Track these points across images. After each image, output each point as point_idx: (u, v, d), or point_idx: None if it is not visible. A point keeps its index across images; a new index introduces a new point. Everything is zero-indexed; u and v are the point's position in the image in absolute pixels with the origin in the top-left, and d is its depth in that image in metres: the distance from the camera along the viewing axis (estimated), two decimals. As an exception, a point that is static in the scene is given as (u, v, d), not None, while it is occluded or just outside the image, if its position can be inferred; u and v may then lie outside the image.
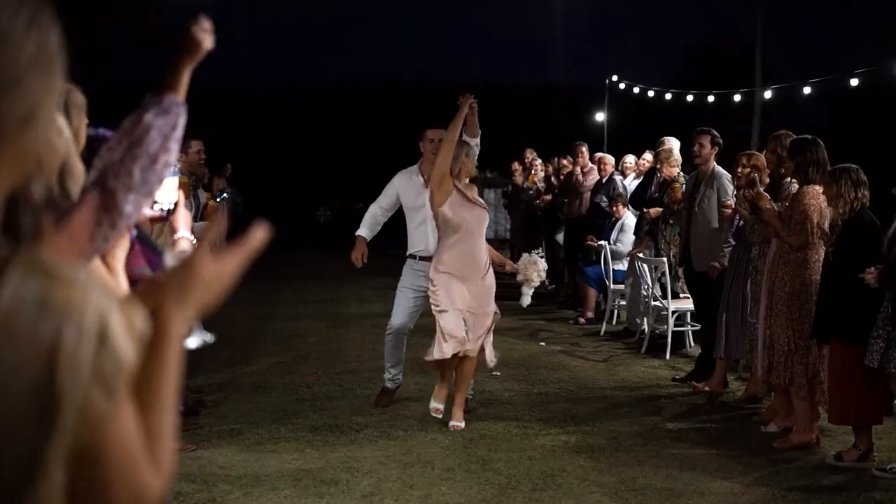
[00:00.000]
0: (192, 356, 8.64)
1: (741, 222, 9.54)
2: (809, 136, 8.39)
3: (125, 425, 1.50)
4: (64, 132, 2.88)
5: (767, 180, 9.25)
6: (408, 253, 9.24)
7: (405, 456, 7.76)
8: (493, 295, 8.66)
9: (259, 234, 2.02)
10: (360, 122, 50.13)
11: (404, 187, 9.25)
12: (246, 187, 22.41)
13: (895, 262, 6.98)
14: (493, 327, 8.67)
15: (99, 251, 2.95)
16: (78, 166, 2.92)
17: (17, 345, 1.36)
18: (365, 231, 9.39)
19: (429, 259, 8.74)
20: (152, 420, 1.60)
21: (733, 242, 9.81)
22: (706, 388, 9.94)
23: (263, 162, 43.13)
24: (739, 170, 9.39)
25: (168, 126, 2.78)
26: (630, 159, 15.55)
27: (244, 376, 10.46)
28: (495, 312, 8.65)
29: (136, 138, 2.72)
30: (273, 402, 9.41)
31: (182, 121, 2.85)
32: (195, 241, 4.21)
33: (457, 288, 8.39)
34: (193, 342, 3.40)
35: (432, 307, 8.49)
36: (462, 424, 8.45)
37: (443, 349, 8.33)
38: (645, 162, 14.69)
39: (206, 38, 2.97)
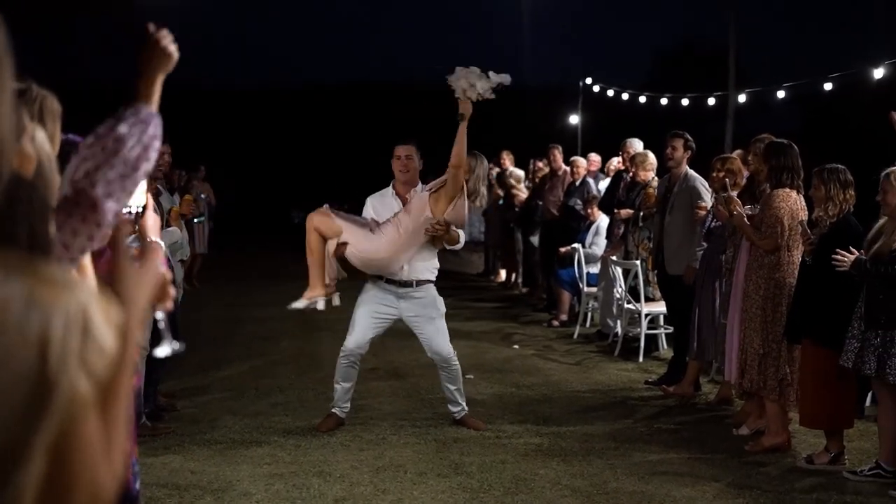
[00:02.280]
0: (163, 361, 8.63)
1: (713, 223, 9.58)
2: (785, 141, 8.44)
3: (93, 420, 1.56)
4: (38, 139, 2.86)
5: (743, 183, 9.31)
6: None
7: (377, 460, 7.74)
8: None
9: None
10: (330, 124, 50.02)
11: (379, 209, 8.57)
12: (220, 188, 22.31)
13: (874, 262, 7.01)
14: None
15: (78, 259, 2.96)
16: (55, 174, 2.91)
17: (7, 337, 1.44)
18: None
19: (397, 283, 8.46)
20: (109, 421, 1.64)
21: (705, 244, 9.84)
22: (676, 392, 9.95)
23: (236, 163, 42.96)
24: (714, 174, 9.45)
25: (145, 135, 2.80)
26: (616, 160, 15.56)
27: (216, 381, 10.42)
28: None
29: (113, 149, 2.74)
30: (245, 407, 9.37)
31: (159, 130, 2.88)
32: (164, 245, 4.19)
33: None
34: (163, 351, 3.38)
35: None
36: (301, 303, 8.57)
37: None
38: (613, 164, 14.74)
39: (171, 46, 2.98)
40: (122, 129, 2.78)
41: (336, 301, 8.49)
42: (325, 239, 8.30)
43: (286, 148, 48.39)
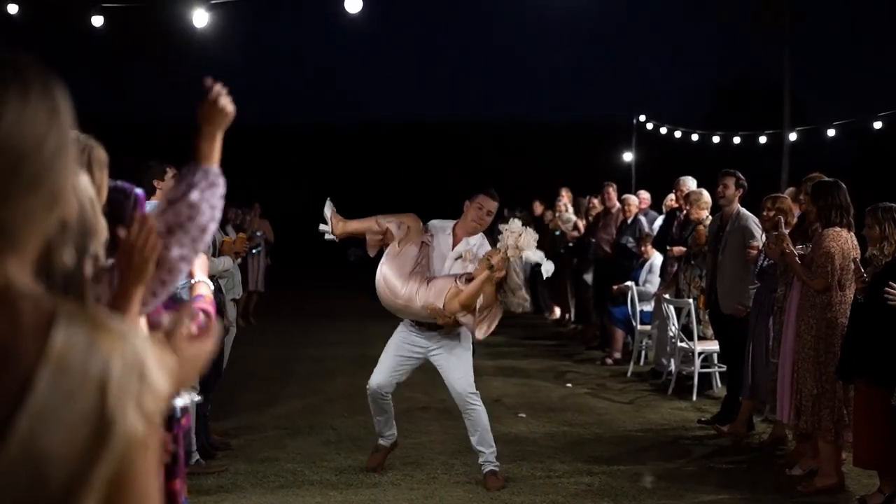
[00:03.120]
0: (217, 398, 8.75)
1: (765, 262, 9.55)
2: (831, 180, 8.43)
3: (149, 461, 1.66)
4: (80, 185, 2.95)
5: (794, 221, 9.29)
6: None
7: (428, 499, 7.78)
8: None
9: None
10: (391, 162, 50.35)
11: (436, 239, 8.17)
12: (278, 225, 22.52)
13: None
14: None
15: (150, 307, 3.10)
16: (100, 222, 3.01)
17: (71, 379, 1.54)
18: None
19: (424, 325, 8.11)
20: None
21: (757, 283, 9.82)
22: (730, 431, 9.91)
23: (296, 200, 43.29)
24: (765, 213, 9.44)
25: (215, 197, 2.93)
26: (671, 198, 15.53)
27: (270, 418, 10.50)
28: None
29: (188, 215, 2.89)
30: (298, 444, 9.45)
31: (224, 189, 3.00)
32: (211, 285, 4.28)
33: None
34: (181, 401, 3.49)
35: None
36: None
37: None
38: (668, 201, 14.73)
39: (228, 104, 3.09)
40: (195, 195, 2.91)
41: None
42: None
43: (346, 185, 48.69)
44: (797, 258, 8.36)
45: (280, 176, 47.89)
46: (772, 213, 9.34)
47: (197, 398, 3.45)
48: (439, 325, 7.96)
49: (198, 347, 2.26)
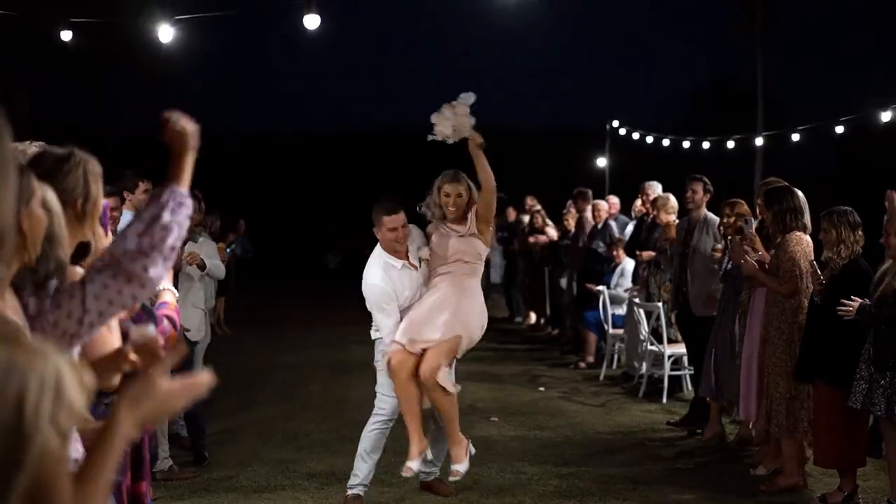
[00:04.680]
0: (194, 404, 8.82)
1: (729, 265, 9.71)
2: (783, 184, 8.58)
3: (64, 475, 1.79)
4: (48, 199, 3.08)
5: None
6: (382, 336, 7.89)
7: (399, 503, 7.90)
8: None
9: (205, 378, 2.45)
10: (367, 167, 50.39)
11: (397, 285, 7.71)
12: (256, 234, 22.58)
13: (878, 305, 7.13)
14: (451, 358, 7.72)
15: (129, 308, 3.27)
16: (63, 230, 3.13)
17: None
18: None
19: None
20: (84, 481, 1.86)
21: (721, 286, 9.99)
22: (707, 437, 10.00)
23: (272, 206, 43.36)
24: (724, 219, 9.65)
25: (182, 216, 3.10)
26: (638, 203, 15.68)
27: (244, 424, 10.59)
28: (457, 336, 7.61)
29: (160, 237, 3.03)
30: (272, 450, 9.55)
31: (190, 209, 3.16)
32: (176, 293, 4.39)
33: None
34: None
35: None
36: (463, 467, 7.67)
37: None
38: (637, 207, 14.91)
39: (188, 125, 3.23)
40: (166, 217, 3.04)
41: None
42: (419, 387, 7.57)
43: (322, 192, 48.77)
44: (756, 266, 8.49)
45: (255, 184, 47.88)
46: (732, 219, 9.55)
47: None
48: None
49: (176, 388, 2.37)
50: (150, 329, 3.38)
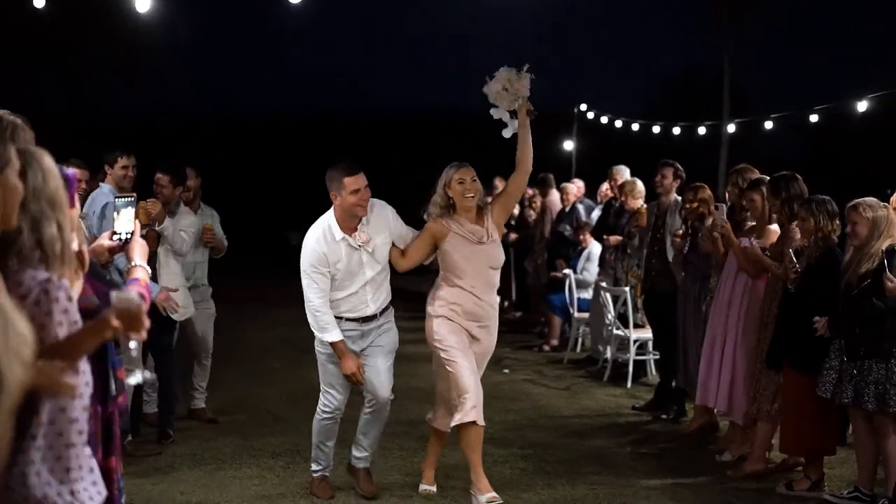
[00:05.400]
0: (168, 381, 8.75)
1: (686, 250, 9.74)
2: (787, 173, 8.50)
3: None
4: (41, 170, 3.05)
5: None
6: None
7: (364, 482, 7.86)
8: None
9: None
10: (328, 148, 50.14)
11: (332, 255, 7.24)
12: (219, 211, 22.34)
13: (845, 300, 7.15)
14: None
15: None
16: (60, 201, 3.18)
17: None
18: (336, 333, 7.30)
19: (357, 320, 7.39)
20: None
21: (682, 273, 10.00)
22: (693, 428, 9.93)
23: (232, 186, 43.06)
24: (688, 205, 9.65)
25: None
26: (605, 187, 15.66)
27: (208, 403, 10.50)
28: None
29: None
30: (235, 428, 9.48)
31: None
32: (148, 270, 4.31)
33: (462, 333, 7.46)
34: (134, 379, 3.54)
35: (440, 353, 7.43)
36: (496, 497, 7.38)
37: (465, 409, 7.32)
38: (602, 191, 14.92)
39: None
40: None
41: None
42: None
43: (282, 171, 48.42)
44: (759, 251, 8.41)
45: (215, 165, 47.54)
46: (695, 205, 9.58)
47: (148, 375, 3.51)
48: (377, 317, 7.44)
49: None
50: (133, 294, 3.32)
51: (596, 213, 14.72)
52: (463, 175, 7.36)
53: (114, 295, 3.28)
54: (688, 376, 9.87)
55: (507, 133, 7.63)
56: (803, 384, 7.66)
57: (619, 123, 23.79)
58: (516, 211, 17.02)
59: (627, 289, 11.73)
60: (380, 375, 7.42)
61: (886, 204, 7.47)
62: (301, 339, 14.70)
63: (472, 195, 7.36)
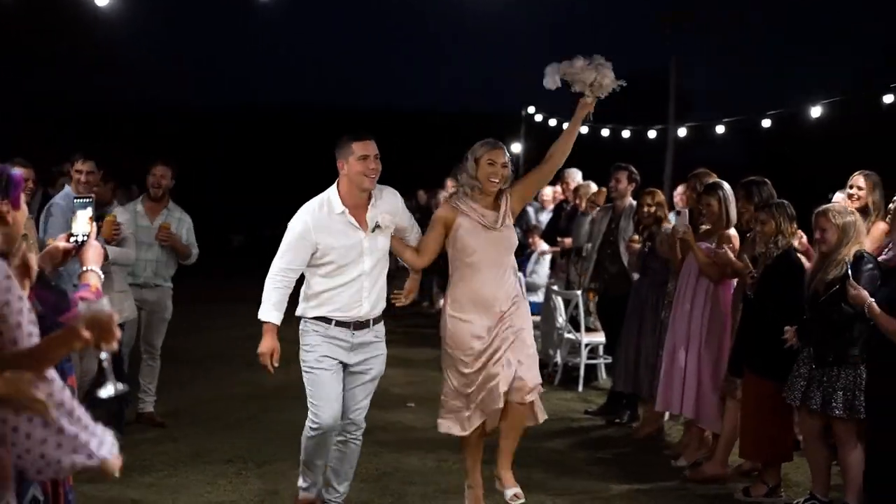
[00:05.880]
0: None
1: (647, 254, 9.73)
2: (756, 178, 8.55)
3: None
4: None
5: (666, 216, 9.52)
6: (312, 315, 6.75)
7: (319, 488, 7.73)
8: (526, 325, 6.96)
9: None
10: (270, 145, 49.88)
11: (323, 230, 6.59)
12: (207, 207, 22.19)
13: (812, 308, 7.15)
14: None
15: None
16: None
17: None
18: (275, 314, 6.74)
19: (348, 325, 6.69)
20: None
21: (637, 276, 9.99)
22: (645, 431, 9.92)
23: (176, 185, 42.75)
24: (645, 209, 9.66)
25: None
26: (548, 191, 15.67)
27: (156, 405, 10.31)
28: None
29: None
30: (185, 435, 9.31)
31: None
32: (101, 275, 4.20)
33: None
34: (106, 392, 3.45)
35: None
36: (519, 492, 7.02)
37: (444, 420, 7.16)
38: (547, 194, 14.91)
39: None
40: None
41: None
42: None
43: (226, 170, 48.11)
44: (731, 256, 8.38)
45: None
46: (652, 209, 9.59)
47: (121, 387, 3.42)
48: (370, 325, 6.81)
49: None
50: (104, 303, 3.24)
51: (545, 216, 14.71)
52: (494, 157, 6.81)
53: (84, 305, 3.20)
54: (638, 381, 9.84)
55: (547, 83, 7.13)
56: (764, 389, 7.66)
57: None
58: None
59: (579, 292, 11.70)
60: (355, 398, 6.87)
61: (853, 210, 7.47)
62: (246, 343, 14.56)
63: (497, 180, 6.78)
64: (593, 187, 12.25)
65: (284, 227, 6.76)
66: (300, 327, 6.81)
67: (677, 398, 8.69)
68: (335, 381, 6.74)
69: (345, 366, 6.77)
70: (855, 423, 7.04)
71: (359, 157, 6.53)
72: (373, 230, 6.63)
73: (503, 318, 6.76)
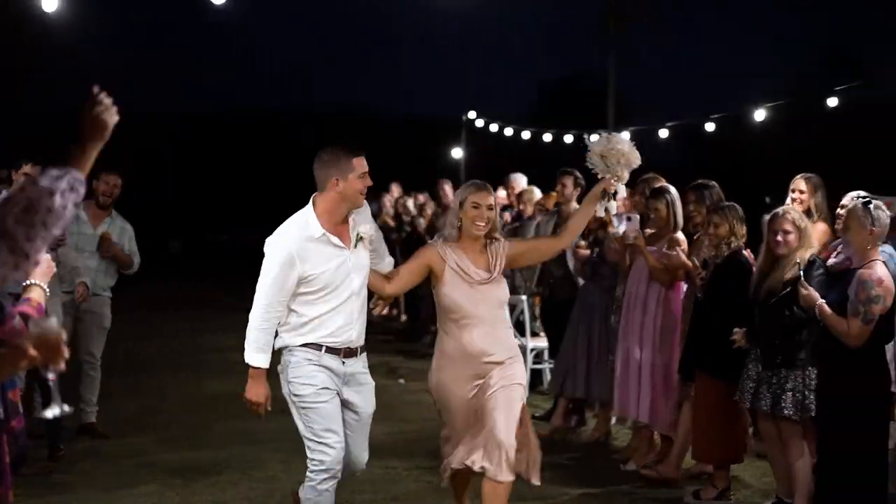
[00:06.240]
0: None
1: (596, 259, 9.76)
2: (704, 181, 8.65)
3: None
4: None
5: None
6: (300, 343, 6.07)
7: (268, 499, 7.72)
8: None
9: None
10: (202, 151, 49.53)
11: (309, 258, 5.96)
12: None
13: (761, 312, 7.21)
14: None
15: None
16: None
17: None
18: (263, 357, 5.99)
19: (338, 352, 6.09)
20: None
21: (583, 281, 10.02)
22: (594, 435, 9.95)
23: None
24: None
25: (73, 201, 2.97)
26: (502, 194, 15.65)
27: (98, 417, 10.18)
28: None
29: (51, 213, 2.90)
30: (130, 443, 9.21)
31: (81, 196, 3.04)
32: (46, 290, 4.14)
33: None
34: (52, 412, 3.39)
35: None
36: None
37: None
38: (498, 199, 14.92)
39: (112, 117, 3.07)
40: (58, 201, 2.87)
41: None
42: None
43: (164, 175, 47.70)
44: (684, 259, 8.41)
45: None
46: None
47: (67, 409, 3.36)
48: (358, 353, 6.29)
49: None
50: (52, 322, 3.17)
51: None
52: (479, 199, 6.33)
53: (32, 322, 3.14)
54: (589, 387, 9.85)
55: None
56: (714, 391, 7.72)
57: (509, 131, 23.81)
58: (407, 217, 16.98)
59: (525, 297, 11.70)
60: (359, 436, 6.45)
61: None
62: (189, 351, 14.50)
63: (482, 224, 6.32)
64: (537, 192, 12.28)
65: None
66: (284, 358, 6.12)
67: (633, 403, 8.72)
68: (339, 413, 6.16)
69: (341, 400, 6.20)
70: (803, 424, 7.11)
71: (359, 175, 6.01)
72: (355, 244, 6.12)
73: (491, 375, 6.40)
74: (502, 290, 6.51)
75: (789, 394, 7.08)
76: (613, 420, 9.94)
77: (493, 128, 24.38)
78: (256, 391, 6.03)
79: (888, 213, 6.74)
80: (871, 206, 6.57)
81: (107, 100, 3.11)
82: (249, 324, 6.00)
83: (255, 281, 6.05)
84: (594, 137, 6.62)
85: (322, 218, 6.01)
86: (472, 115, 26.23)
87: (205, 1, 12.23)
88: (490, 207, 6.34)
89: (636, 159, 6.65)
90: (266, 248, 6.06)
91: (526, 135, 22.95)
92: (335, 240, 6.01)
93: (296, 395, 6.03)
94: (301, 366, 6.03)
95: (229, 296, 14.65)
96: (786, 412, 7.10)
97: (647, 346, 8.61)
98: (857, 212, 6.56)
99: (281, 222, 6.14)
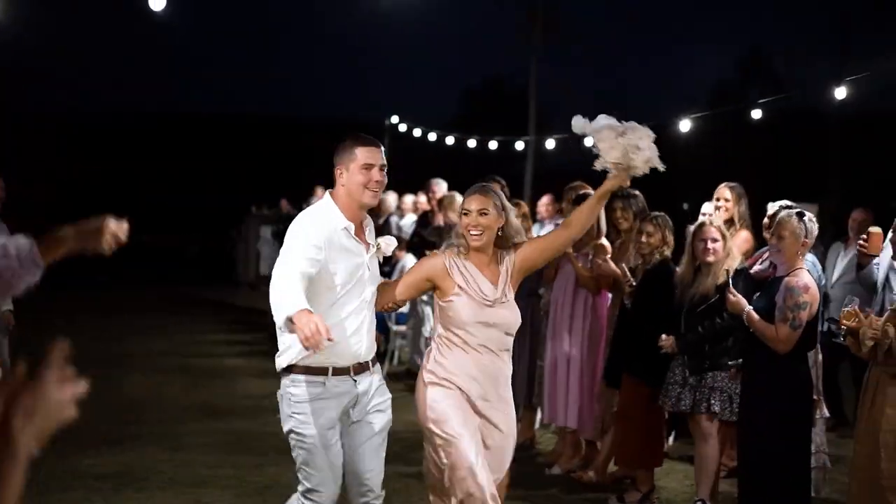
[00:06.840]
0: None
1: None
2: (630, 190, 8.78)
3: None
4: None
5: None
6: (304, 364, 5.39)
7: (196, 504, 7.70)
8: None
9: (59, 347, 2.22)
10: (154, 152, 48.98)
11: (333, 246, 5.38)
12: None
13: (689, 311, 7.40)
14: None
15: None
16: None
17: None
18: (301, 301, 4.86)
19: (347, 371, 5.49)
20: None
21: None
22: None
23: (61, 189, 41.47)
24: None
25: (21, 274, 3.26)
26: (408, 199, 15.80)
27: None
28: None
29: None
30: (55, 451, 9.08)
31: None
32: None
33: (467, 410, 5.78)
34: None
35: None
36: None
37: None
38: (408, 202, 15.08)
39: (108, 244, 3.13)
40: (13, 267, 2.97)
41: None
42: None
43: (114, 175, 46.93)
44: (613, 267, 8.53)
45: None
46: (518, 220, 9.74)
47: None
48: (369, 367, 5.72)
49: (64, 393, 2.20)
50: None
51: (405, 221, 14.84)
52: (468, 204, 5.67)
53: None
54: (515, 391, 9.92)
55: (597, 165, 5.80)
56: (638, 396, 7.89)
57: (433, 137, 23.84)
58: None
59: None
60: (363, 460, 5.75)
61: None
62: (115, 355, 14.36)
63: (477, 233, 5.61)
64: (458, 198, 12.38)
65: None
66: (287, 390, 5.49)
67: (562, 410, 8.86)
68: (339, 456, 5.59)
69: (345, 424, 5.64)
70: (725, 427, 7.33)
71: (362, 166, 5.42)
72: (372, 253, 5.61)
73: (495, 427, 5.87)
74: (514, 314, 5.79)
75: (717, 393, 7.32)
76: (538, 424, 10.07)
77: (417, 132, 24.40)
78: (310, 317, 4.78)
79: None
80: (805, 218, 6.77)
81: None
82: (278, 286, 5.05)
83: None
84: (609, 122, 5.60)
85: (343, 212, 5.46)
86: (394, 119, 26.21)
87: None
88: (482, 213, 5.58)
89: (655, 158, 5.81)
90: (291, 229, 5.36)
91: (450, 140, 23.04)
92: (356, 237, 5.49)
93: (293, 430, 5.47)
94: (301, 403, 5.43)
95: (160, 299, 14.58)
96: (714, 409, 7.32)
97: (574, 354, 8.76)
98: (792, 223, 6.74)
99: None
